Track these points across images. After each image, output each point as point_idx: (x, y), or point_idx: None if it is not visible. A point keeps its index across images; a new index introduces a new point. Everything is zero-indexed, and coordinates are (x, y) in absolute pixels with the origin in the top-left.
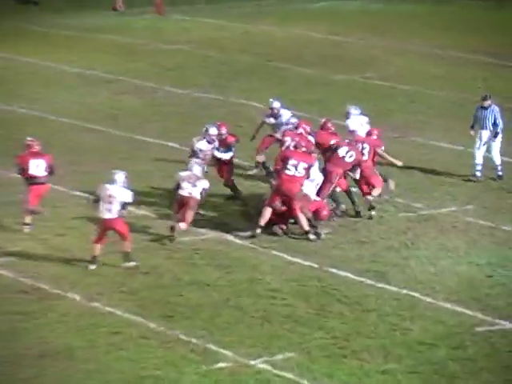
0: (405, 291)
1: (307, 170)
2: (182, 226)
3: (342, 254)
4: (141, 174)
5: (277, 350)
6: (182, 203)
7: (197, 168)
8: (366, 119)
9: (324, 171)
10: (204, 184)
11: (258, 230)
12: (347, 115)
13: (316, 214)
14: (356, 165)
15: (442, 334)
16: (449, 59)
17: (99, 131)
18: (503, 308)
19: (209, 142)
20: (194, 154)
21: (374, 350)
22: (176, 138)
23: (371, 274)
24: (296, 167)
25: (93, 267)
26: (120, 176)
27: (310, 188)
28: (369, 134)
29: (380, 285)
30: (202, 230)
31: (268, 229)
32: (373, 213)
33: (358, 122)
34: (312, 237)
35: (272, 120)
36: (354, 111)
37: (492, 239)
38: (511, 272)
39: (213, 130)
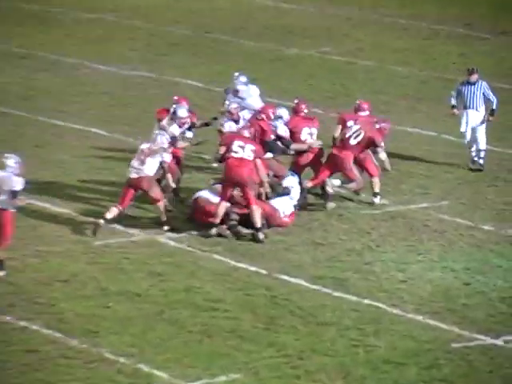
0: (368, 301)
1: (256, 154)
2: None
3: (294, 257)
4: (59, 164)
5: (219, 371)
6: (131, 188)
7: (161, 139)
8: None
9: (331, 157)
10: (164, 157)
11: (213, 231)
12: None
13: (269, 218)
14: (373, 146)
15: (412, 351)
16: (416, 31)
17: (10, 114)
18: (482, 321)
19: (179, 126)
20: (173, 140)
21: (332, 370)
22: (100, 122)
23: (328, 281)
24: (243, 148)
25: (1, 274)
26: (10, 161)
27: (286, 205)
28: (359, 109)
29: (339, 294)
30: (132, 231)
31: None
32: (330, 205)
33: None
34: (261, 236)
35: (237, 98)
36: (243, 79)
37: (470, 240)
38: (492, 279)
39: (182, 112)
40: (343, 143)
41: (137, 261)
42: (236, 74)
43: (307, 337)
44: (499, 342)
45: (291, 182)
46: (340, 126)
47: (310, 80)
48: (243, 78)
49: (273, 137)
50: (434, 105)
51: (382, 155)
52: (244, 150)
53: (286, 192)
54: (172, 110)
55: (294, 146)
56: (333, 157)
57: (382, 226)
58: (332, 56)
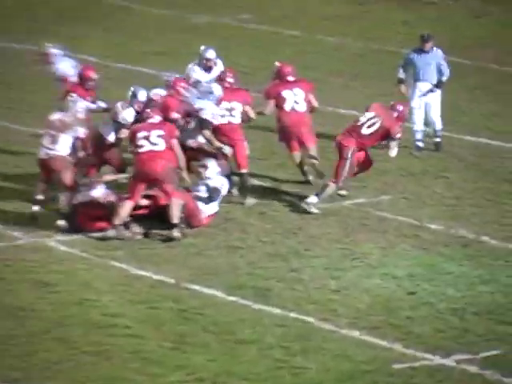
0: (295, 315)
1: (166, 138)
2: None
3: (207, 264)
4: None
5: None
6: (43, 170)
7: (75, 106)
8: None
9: (336, 145)
10: (78, 132)
11: (111, 232)
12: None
13: (190, 217)
14: (389, 136)
15: (347, 373)
16: None
17: None
18: (430, 337)
19: (137, 112)
20: (120, 126)
21: None
22: None
23: (248, 291)
24: (148, 139)
25: None
26: None
27: (212, 206)
28: (281, 74)
29: (260, 306)
30: (15, 233)
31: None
32: (249, 201)
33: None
34: (176, 233)
35: (206, 75)
36: (211, 54)
37: (415, 242)
38: (441, 287)
39: (142, 95)
40: (354, 129)
41: (21, 269)
42: (202, 47)
43: (223, 357)
44: (449, 361)
45: (216, 176)
46: (271, 102)
47: (226, 53)
48: (211, 53)
49: (176, 115)
50: (372, 82)
51: (393, 152)
52: (150, 140)
53: (216, 195)
54: (130, 91)
55: (192, 144)
56: (337, 144)
57: (312, 225)
58: (251, 25)
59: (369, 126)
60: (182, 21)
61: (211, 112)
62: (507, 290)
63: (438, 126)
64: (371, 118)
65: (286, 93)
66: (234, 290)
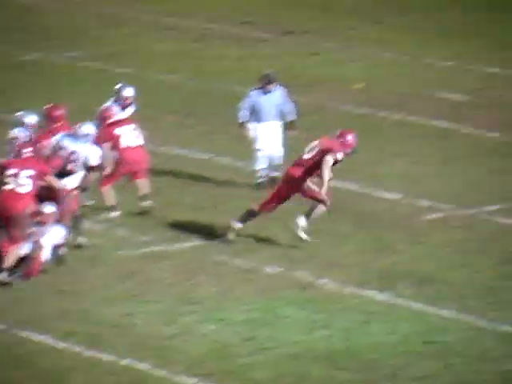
0: (127, 362)
1: (35, 179)
2: None
3: (36, 309)
4: None
5: None
6: None
7: None
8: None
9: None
10: None
11: None
12: None
13: (31, 267)
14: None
15: None
16: (183, 31)
17: None
18: (268, 381)
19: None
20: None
21: None
22: None
23: (79, 337)
24: (16, 177)
25: None
26: None
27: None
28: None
29: (92, 353)
30: None
31: None
32: (82, 240)
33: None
34: (2, 277)
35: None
36: (129, 92)
37: (251, 286)
38: (278, 332)
39: (31, 119)
40: (298, 161)
41: None
42: (118, 85)
43: None
44: None
45: (54, 227)
46: (106, 145)
47: (52, 92)
48: (130, 91)
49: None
50: (206, 120)
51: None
52: (17, 180)
53: (59, 252)
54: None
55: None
56: (289, 177)
57: (146, 269)
58: (82, 62)
59: (309, 151)
60: (9, 58)
61: (96, 155)
62: (344, 334)
63: (279, 161)
64: (313, 147)
65: (118, 130)
66: (64, 336)
